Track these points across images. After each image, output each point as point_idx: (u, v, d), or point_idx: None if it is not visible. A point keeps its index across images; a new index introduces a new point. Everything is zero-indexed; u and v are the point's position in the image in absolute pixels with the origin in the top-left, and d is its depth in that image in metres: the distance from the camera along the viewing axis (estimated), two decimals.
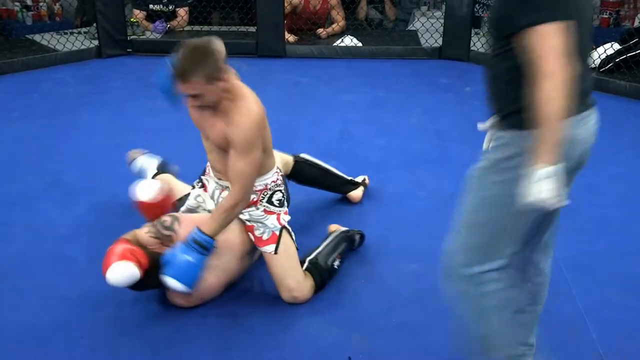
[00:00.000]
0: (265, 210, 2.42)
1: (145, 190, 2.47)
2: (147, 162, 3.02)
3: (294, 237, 2.46)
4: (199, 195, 2.54)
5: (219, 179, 2.48)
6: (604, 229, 2.91)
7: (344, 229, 2.69)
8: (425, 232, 2.87)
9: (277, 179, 2.49)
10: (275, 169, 2.50)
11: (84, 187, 3.22)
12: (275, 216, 2.43)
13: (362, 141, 3.83)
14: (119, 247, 2.23)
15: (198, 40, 2.20)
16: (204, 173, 2.61)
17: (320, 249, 2.52)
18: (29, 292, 2.44)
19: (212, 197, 2.51)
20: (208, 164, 2.56)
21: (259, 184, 2.42)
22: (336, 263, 2.52)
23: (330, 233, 2.65)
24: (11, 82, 4.74)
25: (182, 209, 2.53)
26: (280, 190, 2.49)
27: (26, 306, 2.36)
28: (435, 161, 3.59)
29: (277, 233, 2.40)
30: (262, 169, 2.39)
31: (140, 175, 2.98)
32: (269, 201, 2.45)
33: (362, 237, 2.74)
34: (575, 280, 2.53)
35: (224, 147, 2.33)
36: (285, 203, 2.51)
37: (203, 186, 2.57)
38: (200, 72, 2.13)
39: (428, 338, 2.24)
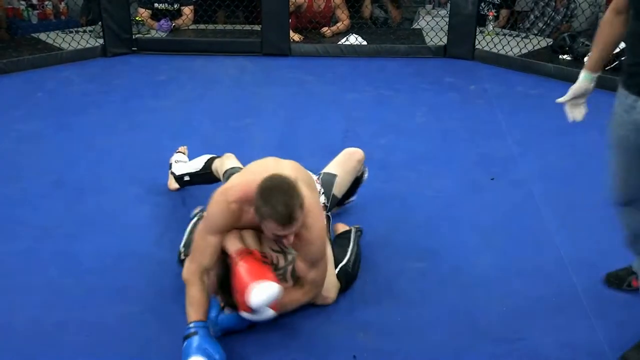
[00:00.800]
0: None
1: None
2: (184, 158, 3.16)
3: (330, 241, 2.49)
4: None
5: None
6: (608, 226, 2.89)
7: (353, 228, 2.70)
8: (430, 231, 2.87)
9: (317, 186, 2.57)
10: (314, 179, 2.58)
11: (89, 185, 3.23)
12: None
13: (366, 140, 3.83)
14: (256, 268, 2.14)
15: (275, 179, 2.10)
16: None
17: (348, 256, 2.51)
18: (35, 290, 2.45)
19: None
20: None
21: None
22: (359, 271, 2.53)
23: (343, 233, 2.66)
24: (17, 80, 4.75)
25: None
26: (322, 194, 2.56)
27: (32, 304, 2.37)
28: (440, 160, 3.59)
29: None
30: None
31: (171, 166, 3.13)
32: None
33: (360, 232, 2.76)
34: (580, 279, 2.53)
35: None
36: (327, 207, 2.57)
37: None
38: (299, 209, 2.05)
39: (433, 337, 2.24)
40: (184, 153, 3.21)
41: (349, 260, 2.49)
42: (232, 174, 2.63)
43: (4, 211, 2.99)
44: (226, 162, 2.82)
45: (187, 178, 3.04)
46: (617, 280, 2.47)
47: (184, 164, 3.10)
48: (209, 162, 2.96)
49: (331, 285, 2.38)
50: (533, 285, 2.51)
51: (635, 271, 2.37)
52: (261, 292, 2.06)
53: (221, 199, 2.20)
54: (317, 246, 2.22)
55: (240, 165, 2.76)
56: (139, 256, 2.65)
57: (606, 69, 4.62)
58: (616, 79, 2.23)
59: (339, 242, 2.60)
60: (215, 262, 2.23)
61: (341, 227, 2.73)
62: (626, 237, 2.25)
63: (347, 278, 2.45)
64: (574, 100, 2.29)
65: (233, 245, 2.20)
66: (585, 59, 4.77)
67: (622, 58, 4.59)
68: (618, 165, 2.15)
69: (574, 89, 2.27)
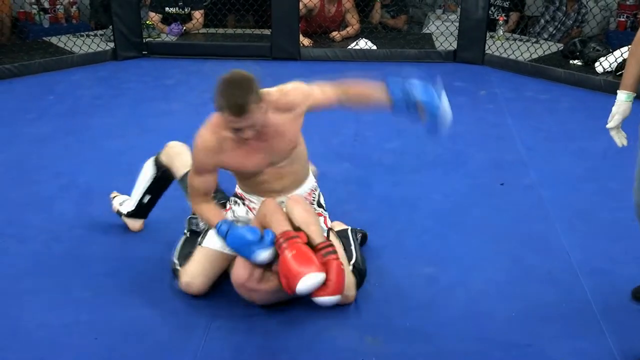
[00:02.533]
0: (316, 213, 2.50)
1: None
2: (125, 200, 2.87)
3: (339, 239, 2.52)
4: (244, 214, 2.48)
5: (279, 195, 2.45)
6: (620, 233, 2.88)
7: (347, 227, 2.70)
8: (439, 236, 2.86)
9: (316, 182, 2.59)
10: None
11: (99, 188, 3.23)
12: (323, 218, 2.49)
13: (375, 144, 3.83)
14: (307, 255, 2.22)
15: (232, 73, 2.18)
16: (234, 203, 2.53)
17: (355, 254, 2.52)
18: (44, 292, 2.46)
19: None
20: (240, 194, 2.51)
21: (310, 186, 2.51)
22: (366, 265, 2.54)
23: (339, 232, 2.65)
24: (28, 83, 4.78)
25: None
26: (321, 194, 2.58)
27: (41, 306, 2.38)
28: (449, 164, 3.58)
29: (326, 235, 2.42)
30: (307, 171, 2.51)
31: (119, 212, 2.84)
32: (319, 204, 2.53)
33: (365, 237, 2.75)
34: (590, 285, 2.51)
35: (292, 148, 2.38)
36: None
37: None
38: (254, 99, 2.12)
39: (441, 342, 2.23)
40: (118, 195, 2.93)
41: (356, 257, 2.49)
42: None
43: (14, 213, 3.01)
44: (175, 154, 2.75)
45: (148, 197, 2.80)
46: None
47: (129, 197, 2.85)
48: (156, 163, 2.78)
49: (350, 284, 2.39)
50: (543, 291, 2.49)
51: None
52: (308, 282, 2.16)
53: (197, 136, 2.30)
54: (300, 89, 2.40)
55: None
56: (148, 259, 2.66)
57: (617, 74, 4.60)
58: None
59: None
60: (213, 190, 2.41)
61: (337, 225, 2.72)
62: None
63: (360, 275, 2.46)
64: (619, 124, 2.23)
65: (279, 226, 2.27)
66: (599, 63, 4.76)
67: None
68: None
69: (621, 112, 2.20)
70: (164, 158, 2.77)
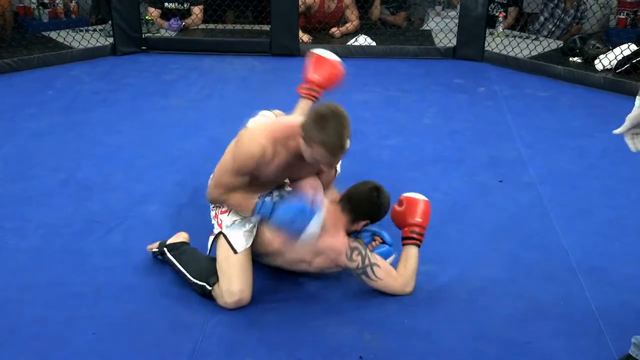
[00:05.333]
0: None
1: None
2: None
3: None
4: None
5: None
6: (618, 231, 2.89)
7: None
8: (438, 233, 2.85)
9: None
10: None
11: (97, 183, 3.24)
12: None
13: (374, 141, 3.82)
14: None
15: (336, 110, 2.20)
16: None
17: None
18: (43, 287, 2.46)
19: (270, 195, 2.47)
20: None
21: None
22: None
23: None
24: (27, 78, 4.77)
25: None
26: None
27: (39, 301, 2.38)
28: (448, 162, 3.57)
29: None
30: None
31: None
32: None
33: None
34: (589, 284, 2.52)
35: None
36: None
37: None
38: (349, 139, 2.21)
39: (438, 339, 2.23)
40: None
41: None
42: None
43: (13, 208, 3.00)
44: None
45: None
46: None
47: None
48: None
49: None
50: (541, 289, 2.50)
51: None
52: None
53: (253, 142, 2.24)
54: None
55: None
56: (147, 254, 2.66)
57: (617, 71, 4.60)
58: (627, 82, 2.19)
59: None
60: None
61: None
62: None
63: None
64: (634, 129, 2.02)
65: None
66: (598, 60, 4.76)
67: (634, 61, 4.58)
68: None
69: (631, 117, 2.00)
70: None
